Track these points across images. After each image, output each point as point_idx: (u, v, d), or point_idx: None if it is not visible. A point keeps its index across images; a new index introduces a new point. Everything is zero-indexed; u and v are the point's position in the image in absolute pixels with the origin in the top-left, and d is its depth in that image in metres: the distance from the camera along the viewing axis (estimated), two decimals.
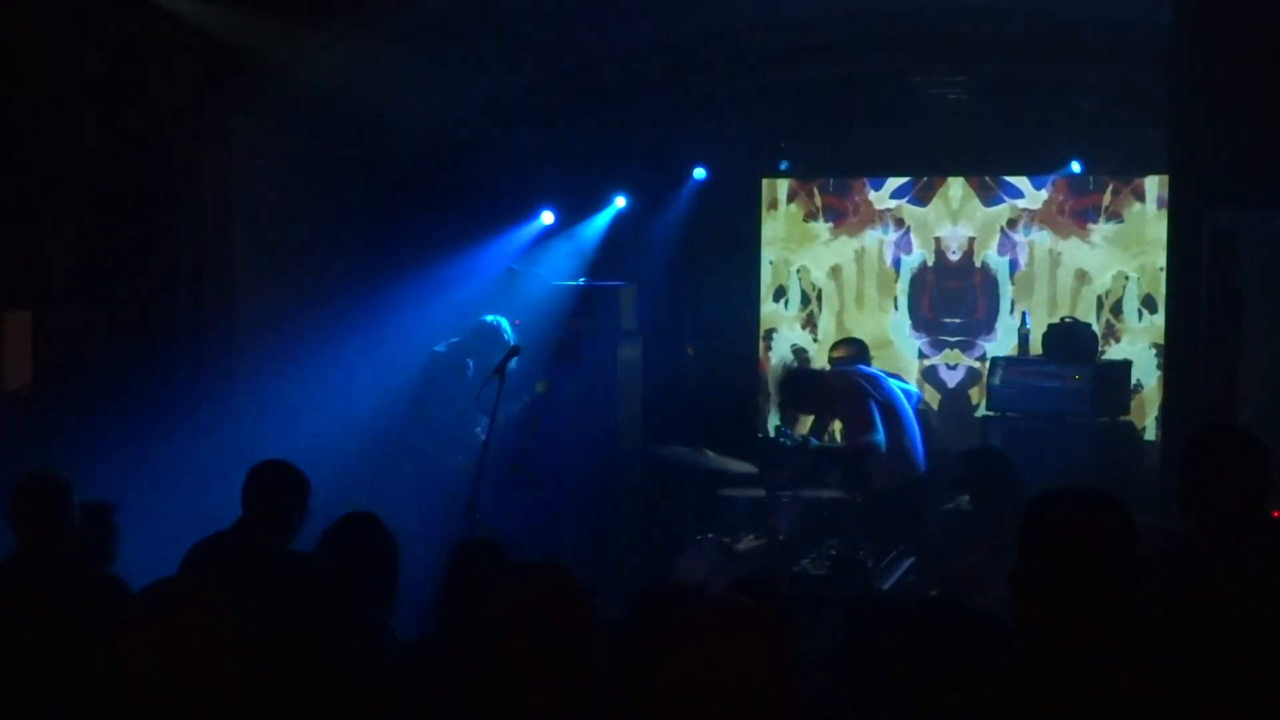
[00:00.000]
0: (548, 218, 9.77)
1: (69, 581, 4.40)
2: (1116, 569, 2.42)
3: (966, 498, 6.74)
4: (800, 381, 8.09)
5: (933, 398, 9.72)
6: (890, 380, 7.84)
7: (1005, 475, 6.17)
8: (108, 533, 4.66)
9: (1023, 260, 9.52)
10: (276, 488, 4.67)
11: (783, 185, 10.17)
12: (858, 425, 7.45)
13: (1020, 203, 9.53)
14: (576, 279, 9.43)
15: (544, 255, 9.76)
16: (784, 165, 9.97)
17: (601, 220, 9.91)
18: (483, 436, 7.12)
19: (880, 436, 7.31)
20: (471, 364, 8.11)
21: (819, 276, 10.07)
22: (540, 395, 8.35)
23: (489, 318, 8.37)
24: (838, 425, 8.17)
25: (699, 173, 9.83)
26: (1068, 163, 9.14)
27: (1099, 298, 9.32)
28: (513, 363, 7.33)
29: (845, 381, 7.67)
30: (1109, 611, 2.39)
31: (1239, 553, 3.49)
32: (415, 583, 4.47)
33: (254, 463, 4.82)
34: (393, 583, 4.19)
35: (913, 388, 8.58)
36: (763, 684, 2.38)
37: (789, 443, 7.60)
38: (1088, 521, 2.45)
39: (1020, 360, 8.63)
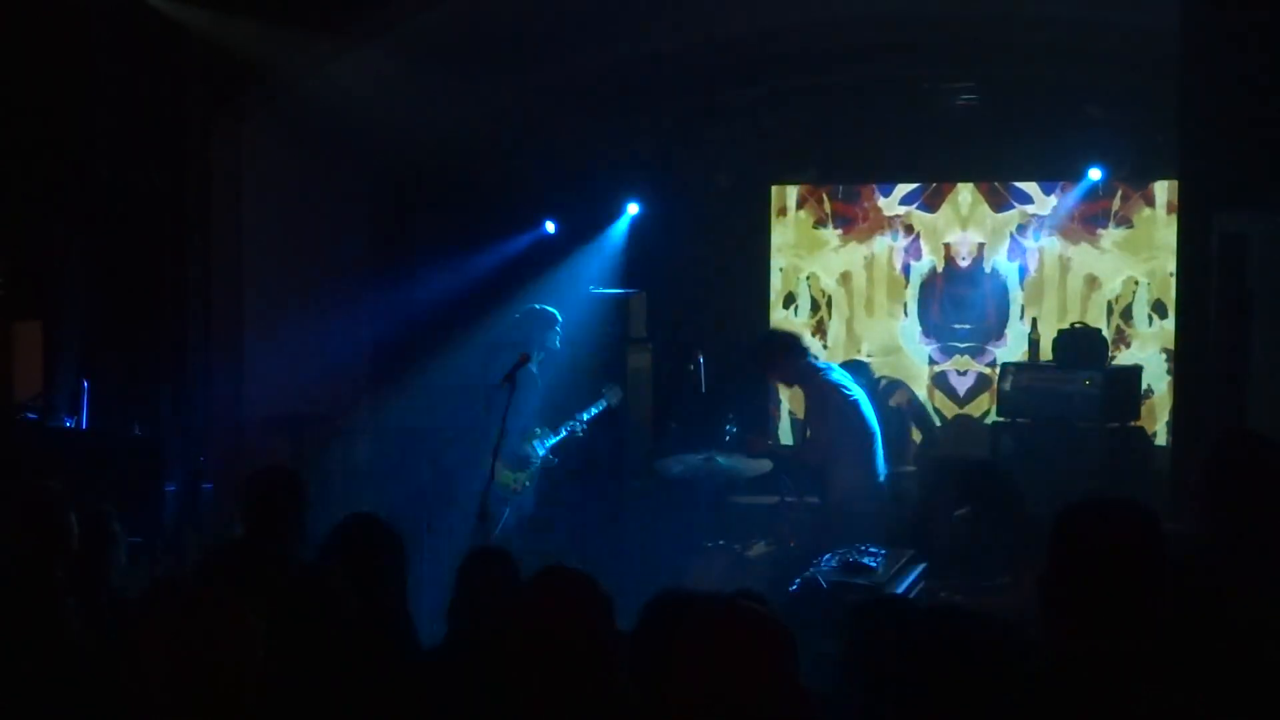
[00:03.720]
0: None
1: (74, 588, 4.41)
2: (1146, 579, 2.42)
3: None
4: (774, 344, 7.70)
5: (943, 404, 9.71)
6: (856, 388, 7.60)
7: (1005, 490, 6.05)
8: (109, 537, 4.63)
9: (1032, 266, 9.50)
10: (275, 495, 4.59)
11: (792, 192, 10.16)
12: (818, 430, 7.32)
13: (1030, 208, 9.51)
14: (586, 287, 9.42)
15: (554, 270, 9.73)
16: (806, 172, 9.93)
17: (612, 228, 9.91)
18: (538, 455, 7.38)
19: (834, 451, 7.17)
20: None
21: (829, 283, 10.05)
22: (614, 403, 8.19)
23: (541, 306, 8.19)
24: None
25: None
26: (1078, 169, 9.08)
27: (1109, 303, 9.30)
28: (533, 366, 7.37)
29: (817, 383, 7.42)
30: (1137, 620, 2.38)
31: (1262, 557, 3.48)
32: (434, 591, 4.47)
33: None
34: (401, 581, 4.17)
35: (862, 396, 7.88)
36: (771, 688, 2.38)
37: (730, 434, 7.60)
38: (1120, 532, 2.45)
39: (1031, 366, 8.60)
